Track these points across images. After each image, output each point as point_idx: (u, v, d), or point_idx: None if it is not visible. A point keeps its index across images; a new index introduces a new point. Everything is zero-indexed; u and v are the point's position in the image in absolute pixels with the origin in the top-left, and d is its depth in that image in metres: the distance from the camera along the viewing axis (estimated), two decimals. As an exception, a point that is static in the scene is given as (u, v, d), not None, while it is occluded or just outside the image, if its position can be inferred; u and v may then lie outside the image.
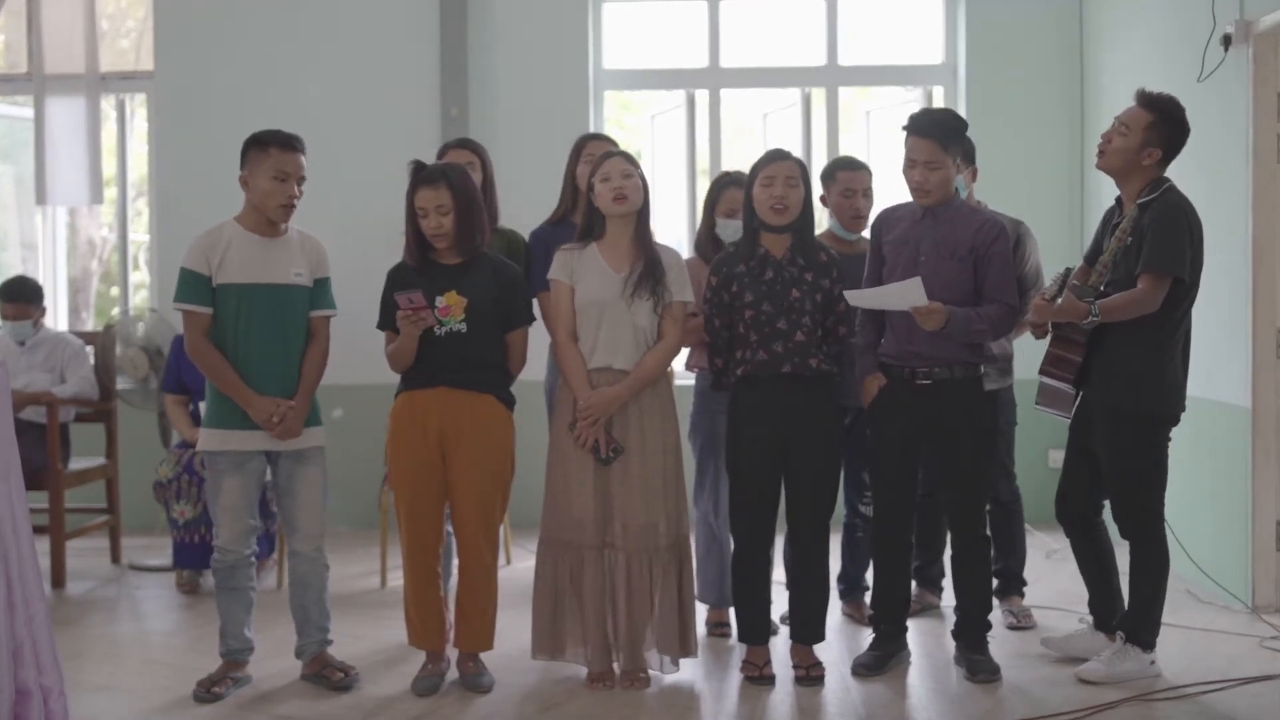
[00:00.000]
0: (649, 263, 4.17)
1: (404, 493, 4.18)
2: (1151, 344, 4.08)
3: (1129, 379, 4.11)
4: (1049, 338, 4.26)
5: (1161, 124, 4.10)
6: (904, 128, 4.22)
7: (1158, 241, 4.00)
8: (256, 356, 4.14)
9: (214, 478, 4.19)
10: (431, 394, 4.12)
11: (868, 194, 4.82)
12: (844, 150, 6.75)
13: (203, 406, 5.57)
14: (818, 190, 4.88)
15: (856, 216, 4.79)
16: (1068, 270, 4.11)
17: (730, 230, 4.50)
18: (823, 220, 4.79)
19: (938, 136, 4.15)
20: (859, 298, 4.20)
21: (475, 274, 4.13)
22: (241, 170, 4.17)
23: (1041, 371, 4.27)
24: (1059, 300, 4.03)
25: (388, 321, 4.16)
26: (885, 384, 4.26)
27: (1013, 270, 4.34)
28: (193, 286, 4.13)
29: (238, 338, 4.14)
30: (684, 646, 4.23)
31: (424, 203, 4.09)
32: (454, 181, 4.10)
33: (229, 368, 4.12)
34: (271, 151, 4.12)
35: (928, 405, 4.21)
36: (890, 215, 4.35)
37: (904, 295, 4.06)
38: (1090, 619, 4.48)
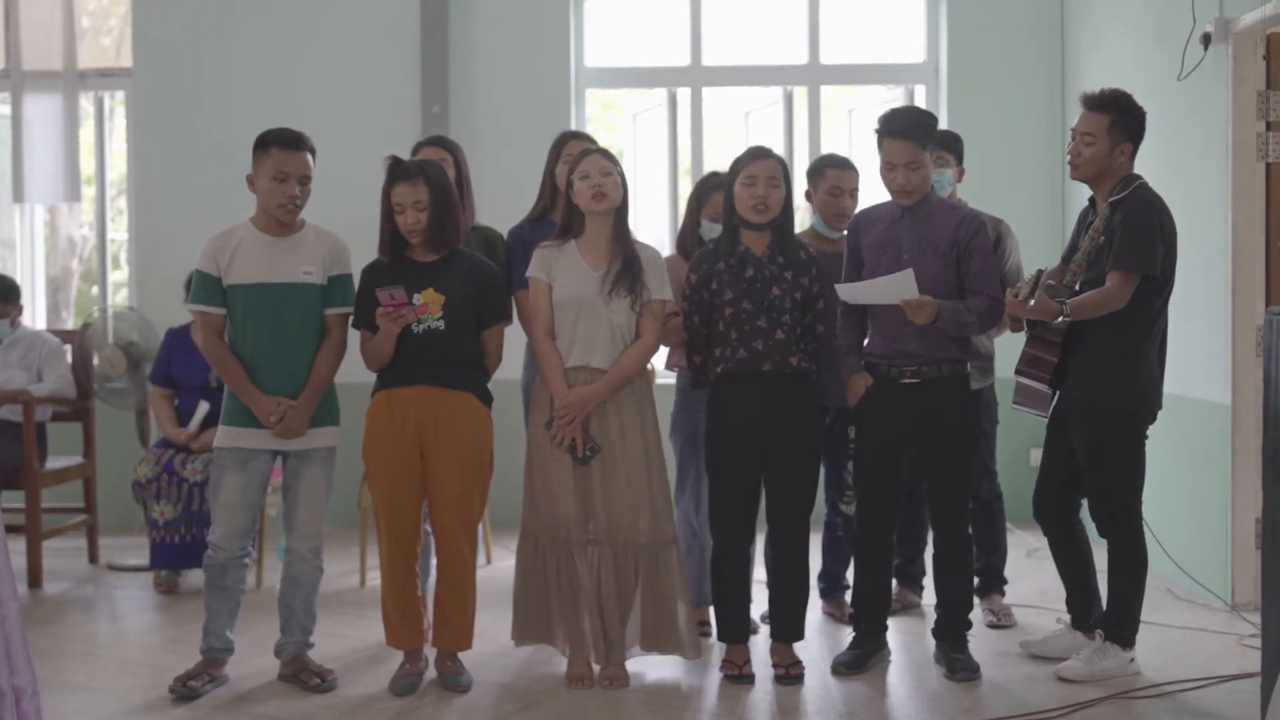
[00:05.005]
0: (627, 260, 4.15)
1: (381, 492, 4.15)
2: (1127, 341, 4.09)
3: (1105, 376, 4.11)
4: (1025, 337, 4.26)
5: (1121, 120, 4.14)
6: (878, 130, 4.20)
7: (1126, 239, 4.02)
8: (264, 355, 4.14)
9: (217, 473, 4.18)
10: (410, 392, 4.10)
11: (854, 194, 4.81)
12: (826, 149, 6.74)
13: (196, 403, 5.63)
14: (800, 188, 4.88)
15: (840, 215, 4.77)
16: (1040, 273, 4.11)
17: (715, 233, 4.48)
18: (805, 219, 4.78)
19: (916, 137, 4.14)
20: (849, 291, 4.19)
21: (452, 271, 4.11)
22: (252, 170, 4.16)
23: (1017, 372, 4.26)
24: (1032, 302, 4.03)
25: (364, 319, 4.13)
26: (872, 384, 4.25)
27: (994, 263, 4.35)
28: (204, 288, 4.15)
29: (246, 337, 4.15)
30: (675, 644, 4.19)
31: (401, 199, 4.07)
32: (432, 178, 4.08)
33: (238, 367, 4.13)
34: (272, 151, 4.10)
35: (914, 404, 4.20)
36: (867, 216, 4.34)
37: (896, 288, 4.05)
38: (1068, 618, 4.49)
